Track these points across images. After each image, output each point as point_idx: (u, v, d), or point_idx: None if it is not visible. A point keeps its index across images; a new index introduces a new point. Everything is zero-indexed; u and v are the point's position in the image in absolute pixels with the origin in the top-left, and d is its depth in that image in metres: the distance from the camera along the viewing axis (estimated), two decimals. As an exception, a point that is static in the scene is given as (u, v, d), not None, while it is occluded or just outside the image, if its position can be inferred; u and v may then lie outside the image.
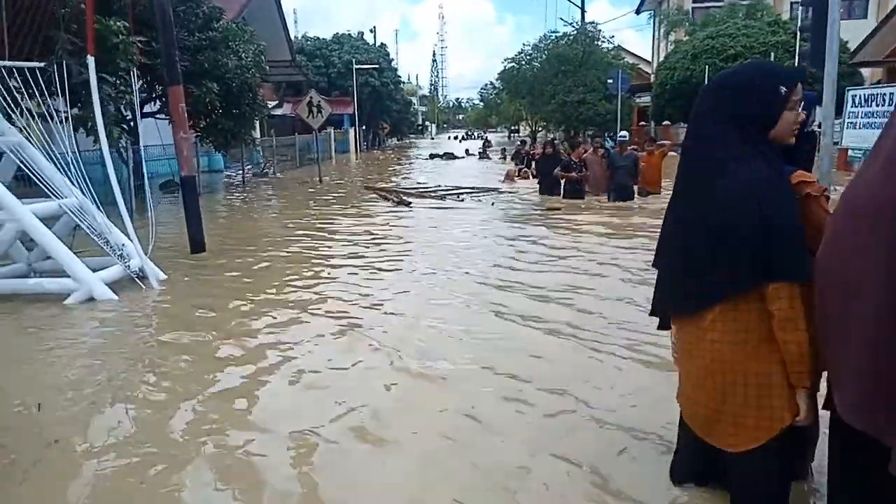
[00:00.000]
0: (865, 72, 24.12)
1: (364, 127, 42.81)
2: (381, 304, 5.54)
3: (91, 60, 6.08)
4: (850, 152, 12.98)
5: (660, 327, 2.42)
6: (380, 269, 6.92)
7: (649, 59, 45.91)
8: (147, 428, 3.31)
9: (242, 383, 3.91)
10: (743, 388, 1.98)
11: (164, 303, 5.82)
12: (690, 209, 2.01)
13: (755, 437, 1.99)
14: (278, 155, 26.04)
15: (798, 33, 22.00)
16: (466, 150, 34.22)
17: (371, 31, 53.44)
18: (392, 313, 5.28)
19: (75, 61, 8.54)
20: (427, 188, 14.97)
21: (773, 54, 22.49)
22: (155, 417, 3.45)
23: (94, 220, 6.14)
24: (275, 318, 5.22)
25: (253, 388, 3.84)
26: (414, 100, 74.57)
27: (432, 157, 31.21)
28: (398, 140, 59.83)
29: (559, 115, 33.40)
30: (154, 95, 15.10)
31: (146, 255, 6.49)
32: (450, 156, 30.89)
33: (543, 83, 33.05)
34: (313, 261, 7.46)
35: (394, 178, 19.52)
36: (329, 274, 6.78)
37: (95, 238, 6.13)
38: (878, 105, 10.31)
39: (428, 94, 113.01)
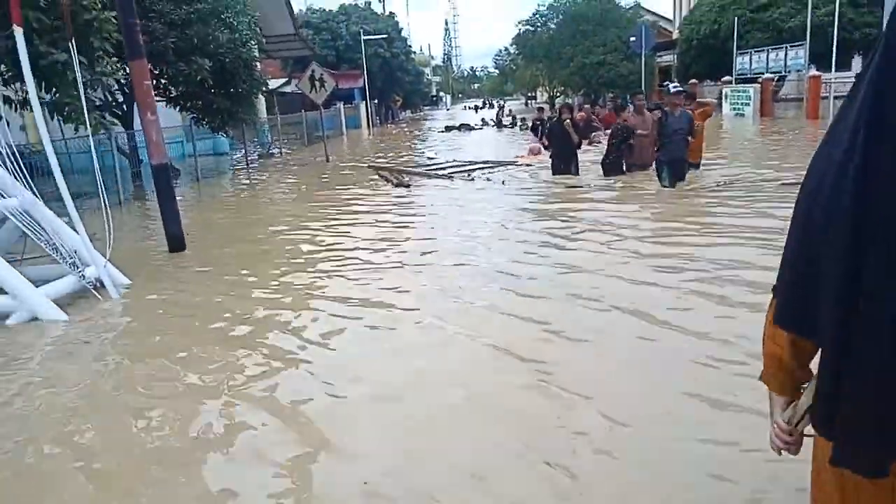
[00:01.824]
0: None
1: (376, 101, 41.55)
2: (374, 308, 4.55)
3: (18, 33, 5.05)
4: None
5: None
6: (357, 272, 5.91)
7: (668, 16, 43.92)
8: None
9: (221, 428, 2.97)
10: None
11: (120, 319, 4.90)
12: None
13: None
14: (287, 134, 25.09)
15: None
16: (483, 120, 32.78)
17: (380, 0, 51.61)
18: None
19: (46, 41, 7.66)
20: (436, 165, 13.79)
21: (809, 3, 20.72)
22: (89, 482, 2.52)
23: (41, 225, 5.21)
24: (264, 337, 4.27)
25: (234, 435, 2.88)
26: (427, 70, 72.98)
27: (448, 129, 29.71)
28: (412, 112, 58.41)
29: (578, 79, 31.98)
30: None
31: (107, 257, 5.56)
32: (466, 127, 29.43)
33: (561, 45, 31.58)
34: (302, 260, 6.46)
35: (403, 155, 18.35)
36: (320, 276, 5.79)
37: (43, 245, 5.21)
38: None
39: (441, 65, 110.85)
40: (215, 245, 7.37)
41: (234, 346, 4.10)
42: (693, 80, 28.62)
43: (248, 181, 14.48)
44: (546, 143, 11.55)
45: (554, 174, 10.65)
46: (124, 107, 14.55)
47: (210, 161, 19.04)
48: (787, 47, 21.61)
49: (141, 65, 6.54)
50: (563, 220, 7.39)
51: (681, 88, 9.54)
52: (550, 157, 11.07)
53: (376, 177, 11.69)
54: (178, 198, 11.87)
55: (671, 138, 8.69)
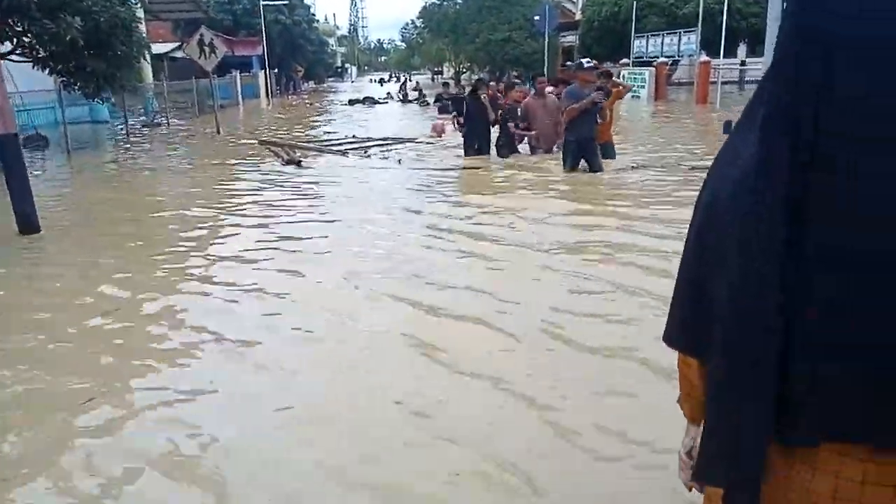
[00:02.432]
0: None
1: (276, 70, 39.80)
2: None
3: None
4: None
5: None
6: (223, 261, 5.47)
7: (572, -3, 44.70)
8: None
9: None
10: None
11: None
12: None
13: None
14: (176, 102, 23.47)
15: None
16: (388, 94, 32.04)
17: (281, -36, 49.13)
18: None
19: None
20: (333, 141, 13.20)
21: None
22: None
23: None
24: (119, 330, 3.76)
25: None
26: (331, 41, 70.90)
27: (352, 102, 28.66)
28: (315, 84, 56.52)
29: (484, 55, 31.95)
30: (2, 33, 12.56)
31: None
32: (371, 101, 28.59)
33: (467, 21, 31.36)
34: (171, 244, 5.89)
35: (301, 129, 17.53)
36: (190, 262, 5.28)
37: None
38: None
39: (347, 36, 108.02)
40: (76, 226, 6.63)
41: (83, 344, 3.60)
42: (594, 61, 29.46)
43: (125, 154, 13.28)
44: (461, 120, 10.63)
45: (467, 154, 9.93)
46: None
47: (86, 130, 17.46)
48: (680, 32, 22.42)
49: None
50: (457, 206, 7.18)
51: (593, 64, 8.96)
52: (463, 135, 10.23)
53: (267, 152, 11.01)
54: (41, 171, 10.85)
55: (580, 118, 8.03)
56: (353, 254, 5.24)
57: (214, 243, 5.76)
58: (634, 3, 25.08)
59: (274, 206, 7.33)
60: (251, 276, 4.70)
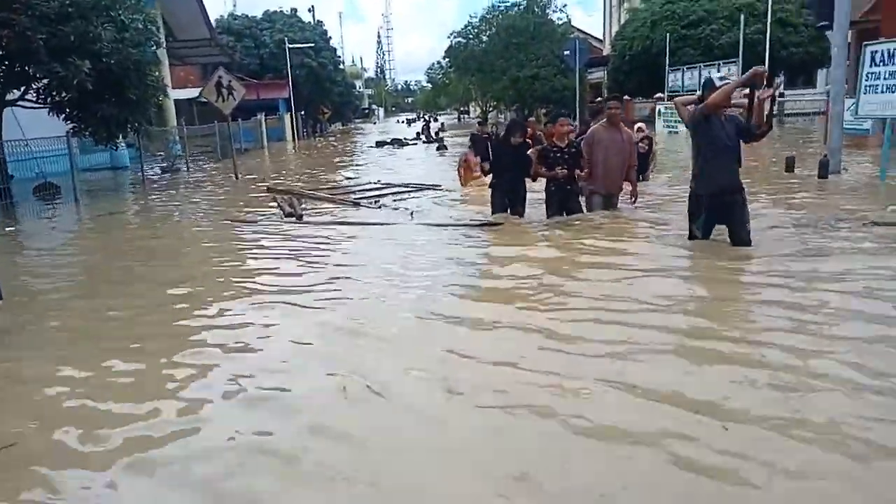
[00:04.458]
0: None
1: (303, 112, 39.80)
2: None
3: None
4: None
5: None
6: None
7: (597, 35, 44.39)
8: None
9: None
10: None
11: None
12: None
13: None
14: (199, 146, 23.17)
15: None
16: (417, 134, 31.00)
17: (309, 10, 49.81)
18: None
19: None
20: (350, 187, 12.19)
21: (741, 17, 20.60)
22: None
23: None
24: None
25: None
26: (358, 83, 71.68)
27: (379, 144, 27.62)
28: (342, 125, 56.69)
29: (512, 93, 31.37)
30: (11, 78, 12.08)
31: None
32: (398, 142, 27.68)
33: (493, 58, 30.84)
34: (140, 326, 4.91)
35: (321, 174, 16.61)
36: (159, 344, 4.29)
37: None
38: (908, 63, 8.33)
39: (374, 78, 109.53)
40: (46, 293, 5.71)
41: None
42: (626, 97, 28.53)
43: (135, 203, 12.47)
44: (486, 167, 8.83)
45: (495, 212, 7.68)
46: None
47: (105, 177, 17.02)
48: (719, 64, 21.41)
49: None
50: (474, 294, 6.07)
51: (728, 79, 6.39)
52: (490, 186, 7.91)
53: (274, 202, 10.04)
54: (48, 219, 10.07)
55: (715, 155, 5.39)
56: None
57: (199, 320, 4.76)
58: (668, 35, 24.23)
59: (259, 271, 6.24)
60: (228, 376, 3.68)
